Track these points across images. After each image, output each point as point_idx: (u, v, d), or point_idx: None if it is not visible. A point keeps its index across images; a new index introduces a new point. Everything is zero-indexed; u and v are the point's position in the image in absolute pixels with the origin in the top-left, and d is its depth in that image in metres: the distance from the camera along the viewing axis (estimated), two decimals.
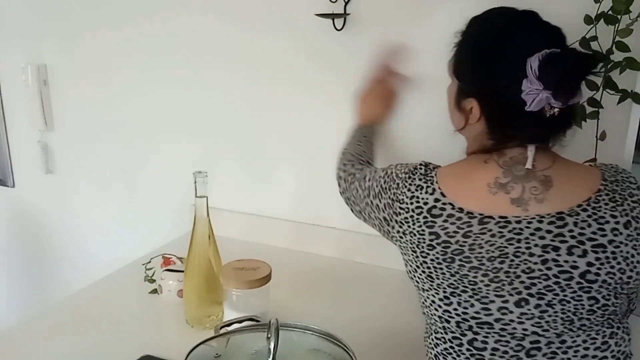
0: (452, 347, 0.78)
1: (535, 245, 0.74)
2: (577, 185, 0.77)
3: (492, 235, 0.75)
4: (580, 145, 0.88)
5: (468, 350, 0.77)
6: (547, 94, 0.72)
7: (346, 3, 1.23)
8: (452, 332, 0.78)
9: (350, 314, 1.14)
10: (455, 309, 0.76)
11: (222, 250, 1.09)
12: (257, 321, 0.87)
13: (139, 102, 1.58)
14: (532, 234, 0.74)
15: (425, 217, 0.79)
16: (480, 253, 0.75)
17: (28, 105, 1.72)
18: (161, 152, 1.60)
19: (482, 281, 0.75)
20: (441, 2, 1.16)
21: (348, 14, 1.24)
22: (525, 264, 0.74)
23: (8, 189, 1.91)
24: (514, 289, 0.74)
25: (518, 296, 0.73)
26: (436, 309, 0.79)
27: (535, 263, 0.73)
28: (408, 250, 0.82)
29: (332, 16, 1.23)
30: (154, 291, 1.20)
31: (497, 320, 0.74)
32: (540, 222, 0.74)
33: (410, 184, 0.83)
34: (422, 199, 0.81)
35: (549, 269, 0.73)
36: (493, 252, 0.75)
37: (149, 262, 1.27)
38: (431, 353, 0.83)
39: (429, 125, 1.20)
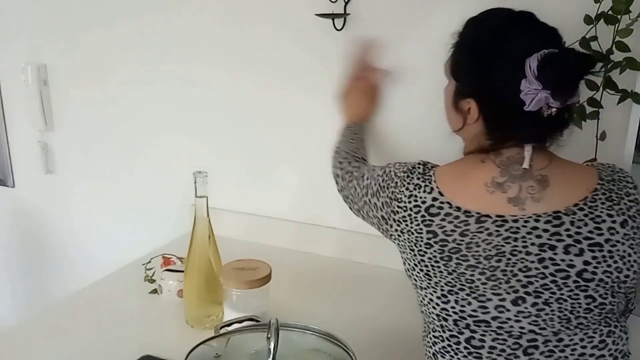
0: (449, 345, 0.79)
1: (532, 244, 0.74)
2: (573, 184, 0.78)
3: (489, 234, 0.75)
4: (580, 145, 0.88)
5: (465, 348, 0.77)
6: (545, 93, 0.72)
7: (346, 3, 1.23)
8: (450, 330, 0.78)
9: (350, 314, 1.14)
10: (452, 307, 0.77)
11: (222, 250, 1.09)
12: (257, 321, 0.87)
13: (139, 102, 1.59)
14: (528, 233, 0.74)
15: (423, 216, 0.80)
16: (477, 251, 0.75)
17: (28, 105, 1.72)
18: (161, 152, 1.60)
19: (479, 279, 0.75)
20: (441, 3, 1.16)
21: (348, 14, 1.24)
22: (522, 262, 0.74)
23: (8, 189, 1.91)
24: (511, 287, 0.74)
25: (515, 294, 0.74)
26: (434, 307, 0.79)
27: (532, 262, 0.74)
28: (406, 249, 0.82)
29: (332, 16, 1.24)
30: (154, 291, 1.20)
31: (494, 318, 0.75)
32: (537, 221, 0.75)
33: (408, 183, 0.84)
34: (420, 197, 0.81)
35: (545, 267, 0.73)
36: (490, 250, 0.75)
37: (149, 262, 1.27)
38: (429, 351, 0.83)
39: (428, 125, 1.20)
